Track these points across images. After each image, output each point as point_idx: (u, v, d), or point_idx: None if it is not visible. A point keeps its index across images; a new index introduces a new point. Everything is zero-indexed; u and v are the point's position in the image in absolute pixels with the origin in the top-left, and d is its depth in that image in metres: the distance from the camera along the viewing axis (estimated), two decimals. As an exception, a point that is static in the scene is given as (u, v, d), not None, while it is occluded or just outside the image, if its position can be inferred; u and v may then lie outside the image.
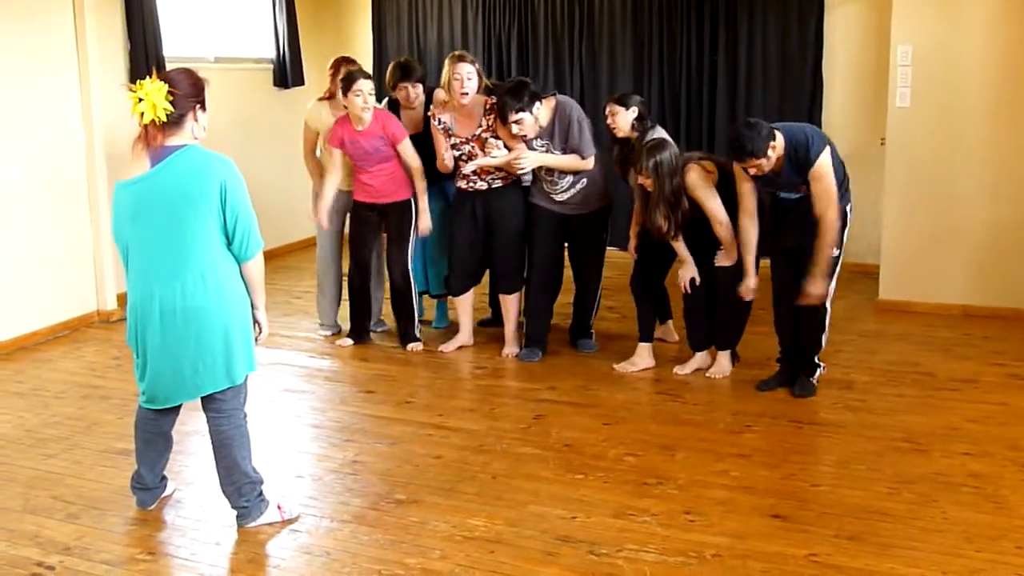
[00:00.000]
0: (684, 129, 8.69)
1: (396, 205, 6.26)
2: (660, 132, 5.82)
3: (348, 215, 6.56)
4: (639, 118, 5.81)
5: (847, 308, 7.09)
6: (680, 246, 5.61)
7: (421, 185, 6.22)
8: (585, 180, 5.96)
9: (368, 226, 6.39)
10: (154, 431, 4.08)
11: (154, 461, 4.14)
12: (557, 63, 9.16)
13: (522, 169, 5.89)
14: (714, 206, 5.42)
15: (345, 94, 6.02)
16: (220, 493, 4.05)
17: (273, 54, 9.43)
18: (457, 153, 6.05)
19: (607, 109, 5.91)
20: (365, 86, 5.99)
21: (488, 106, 5.97)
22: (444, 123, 6.06)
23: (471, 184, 6.09)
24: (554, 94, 5.99)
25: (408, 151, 6.14)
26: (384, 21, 9.86)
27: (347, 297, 6.67)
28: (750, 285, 5.38)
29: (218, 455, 3.98)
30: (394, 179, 6.20)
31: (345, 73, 6.12)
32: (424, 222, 6.27)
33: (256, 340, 4.04)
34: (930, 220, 6.97)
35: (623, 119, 5.82)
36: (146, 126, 3.67)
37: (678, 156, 5.46)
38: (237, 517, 4.03)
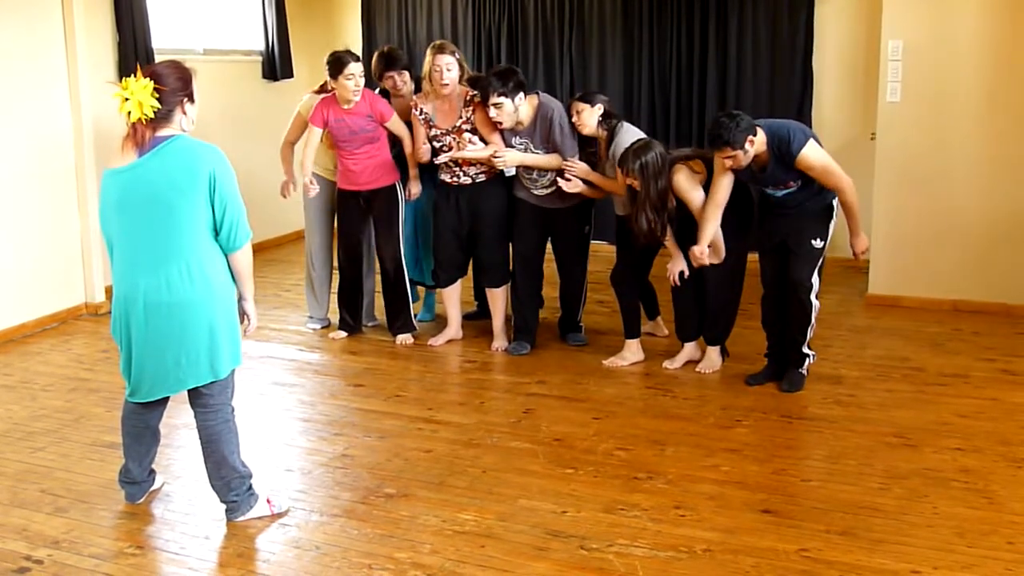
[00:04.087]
0: (674, 123, 8.68)
1: (381, 191, 6.25)
2: (630, 129, 5.78)
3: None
4: (605, 116, 5.76)
5: (837, 303, 7.10)
6: (670, 240, 5.60)
7: (414, 172, 6.23)
8: None
9: (355, 214, 6.35)
10: (141, 425, 4.05)
11: (142, 455, 4.12)
12: (547, 57, 9.13)
13: (502, 167, 5.90)
14: (701, 206, 5.40)
15: (335, 77, 5.97)
16: (209, 487, 4.03)
17: (262, 46, 9.39)
18: (437, 144, 6.05)
19: (571, 108, 5.85)
20: (356, 69, 5.96)
21: (468, 97, 5.97)
22: (425, 113, 6.06)
23: (455, 177, 6.08)
24: (537, 93, 5.97)
25: (397, 126, 6.15)
26: (374, 14, 9.83)
27: (336, 289, 6.65)
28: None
29: (206, 450, 3.96)
30: (378, 164, 6.19)
31: (333, 57, 6.04)
32: (415, 187, 6.30)
33: (245, 332, 4.02)
34: (920, 215, 6.98)
35: (588, 116, 5.75)
36: (134, 124, 3.65)
37: (664, 156, 5.41)
38: (226, 511, 4.01)
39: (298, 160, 6.41)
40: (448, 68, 5.88)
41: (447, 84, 5.90)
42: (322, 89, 6.53)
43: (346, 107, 6.05)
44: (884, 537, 3.77)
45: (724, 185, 5.24)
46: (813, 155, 5.00)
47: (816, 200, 5.20)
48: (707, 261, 5.35)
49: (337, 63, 5.98)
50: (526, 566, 3.62)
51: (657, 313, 6.44)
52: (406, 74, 6.40)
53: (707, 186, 5.39)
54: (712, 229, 5.30)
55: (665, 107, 8.75)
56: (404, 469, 4.50)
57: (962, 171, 6.84)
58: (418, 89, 6.31)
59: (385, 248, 6.33)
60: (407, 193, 6.32)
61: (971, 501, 4.07)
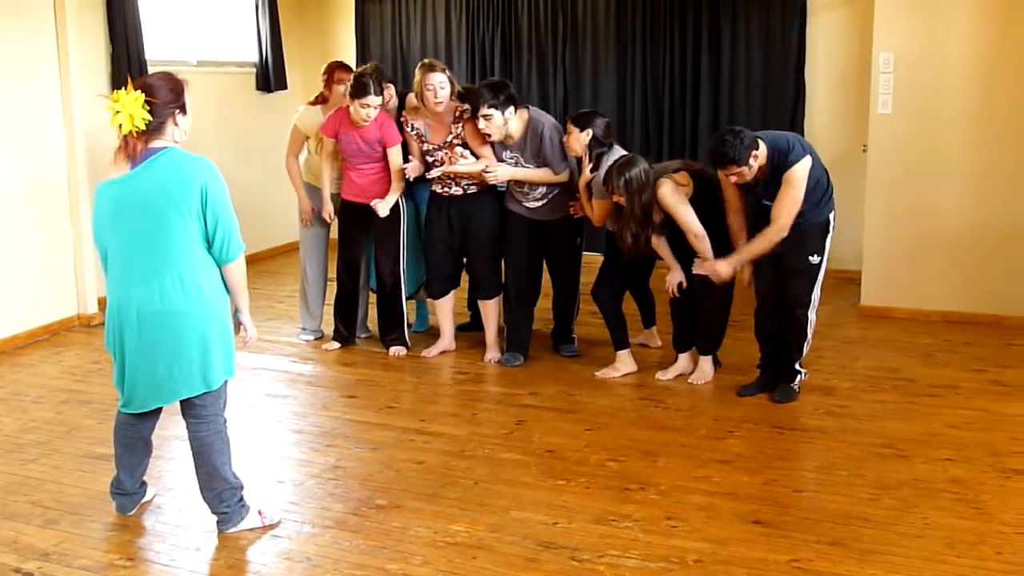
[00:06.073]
0: (667, 135, 8.72)
1: None
2: (620, 155, 5.77)
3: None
4: (593, 141, 5.73)
5: (829, 314, 7.11)
6: (666, 251, 5.61)
7: (398, 186, 6.18)
8: (558, 188, 5.97)
9: (356, 225, 6.36)
10: (133, 436, 4.05)
11: (134, 466, 4.12)
12: (540, 69, 9.16)
13: (493, 181, 5.93)
14: (687, 219, 5.41)
15: (352, 99, 5.95)
16: (200, 499, 4.03)
17: (256, 58, 9.41)
18: (430, 159, 6.07)
19: (566, 125, 5.86)
20: (373, 101, 5.93)
21: (458, 113, 5.98)
22: (417, 129, 6.07)
23: (446, 189, 6.09)
24: (528, 107, 5.99)
25: (395, 156, 6.12)
26: (367, 26, 9.85)
27: (331, 300, 6.64)
28: (727, 269, 5.35)
29: (198, 461, 3.95)
30: (382, 180, 6.19)
31: (357, 81, 5.95)
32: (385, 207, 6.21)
33: (244, 343, 4.03)
34: (912, 227, 7.00)
35: (575, 140, 5.74)
36: (125, 136, 3.66)
37: (648, 171, 5.41)
38: (217, 523, 4.01)
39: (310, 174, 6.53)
40: (441, 87, 5.89)
41: (441, 102, 5.91)
42: (317, 100, 6.54)
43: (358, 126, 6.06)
44: (874, 547, 3.78)
45: (734, 191, 5.29)
46: (799, 176, 5.02)
47: (812, 215, 5.19)
48: (747, 276, 5.42)
49: (361, 88, 5.90)
50: (517, 577, 3.63)
51: (653, 323, 6.45)
52: (391, 87, 6.39)
53: (694, 199, 5.42)
54: (743, 235, 5.33)
55: (658, 119, 8.77)
56: (396, 480, 4.50)
57: (953, 183, 6.86)
58: (401, 104, 6.31)
59: (384, 262, 6.32)
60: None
61: (961, 512, 4.08)
